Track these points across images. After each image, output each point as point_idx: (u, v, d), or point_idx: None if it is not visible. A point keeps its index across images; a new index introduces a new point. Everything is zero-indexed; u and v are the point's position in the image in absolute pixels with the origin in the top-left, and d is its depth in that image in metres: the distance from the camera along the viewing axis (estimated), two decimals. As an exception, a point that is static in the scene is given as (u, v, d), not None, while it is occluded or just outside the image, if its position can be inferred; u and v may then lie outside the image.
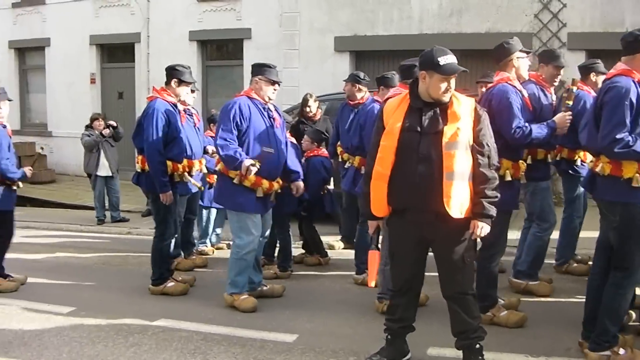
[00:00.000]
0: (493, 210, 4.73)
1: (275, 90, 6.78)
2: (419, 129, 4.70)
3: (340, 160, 8.68)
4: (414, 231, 4.82)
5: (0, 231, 7.63)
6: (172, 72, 7.30)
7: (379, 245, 5.19)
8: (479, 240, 4.96)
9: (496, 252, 6.03)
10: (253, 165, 6.32)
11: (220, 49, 17.20)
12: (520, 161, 6.08)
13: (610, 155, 4.92)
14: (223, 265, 8.40)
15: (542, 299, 6.86)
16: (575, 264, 7.77)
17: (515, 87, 5.98)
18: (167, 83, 7.31)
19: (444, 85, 4.65)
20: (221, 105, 8.62)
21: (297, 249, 8.75)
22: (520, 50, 6.06)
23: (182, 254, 8.67)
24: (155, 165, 7.04)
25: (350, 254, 8.81)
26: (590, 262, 7.59)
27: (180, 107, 7.43)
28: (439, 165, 4.59)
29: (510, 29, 13.05)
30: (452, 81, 4.68)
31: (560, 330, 5.82)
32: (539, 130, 5.89)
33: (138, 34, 17.25)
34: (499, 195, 4.78)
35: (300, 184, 7.20)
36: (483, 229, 4.74)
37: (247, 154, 6.46)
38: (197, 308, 6.81)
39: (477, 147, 4.69)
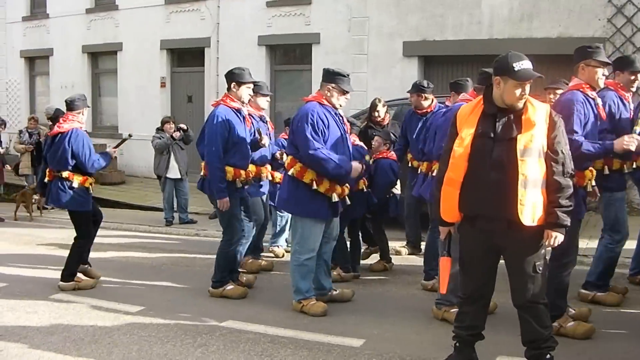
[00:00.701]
0: (567, 220, 4.62)
1: (347, 99, 6.76)
2: (492, 135, 4.63)
3: (410, 166, 8.66)
4: (485, 239, 4.74)
5: (78, 232, 7.84)
6: (230, 76, 7.30)
7: (451, 252, 5.11)
8: (548, 249, 4.84)
9: (569, 261, 5.91)
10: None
11: (289, 54, 17.23)
12: (587, 170, 5.91)
13: None
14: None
15: (614, 310, 6.69)
16: None
17: (587, 95, 5.83)
18: (229, 89, 7.32)
19: (518, 91, 4.56)
20: (288, 109, 8.62)
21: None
22: (596, 59, 5.89)
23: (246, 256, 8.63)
24: (213, 171, 7.06)
25: (416, 259, 8.80)
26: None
27: (245, 112, 7.44)
28: (512, 173, 4.50)
29: (583, 33, 12.78)
30: (527, 87, 4.59)
31: (631, 343, 5.68)
32: (590, 148, 5.65)
33: (208, 39, 17.45)
34: (573, 204, 4.67)
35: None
36: (557, 238, 4.64)
37: None
38: (264, 310, 6.83)
39: (552, 155, 4.59)
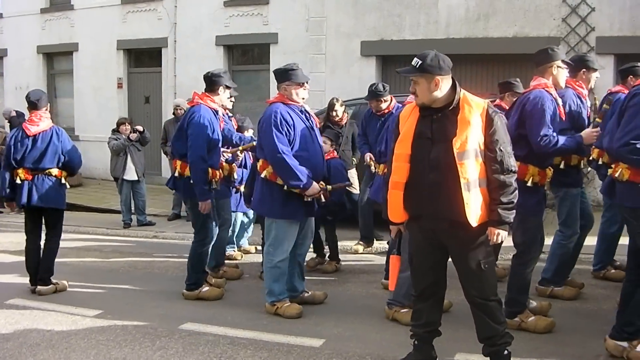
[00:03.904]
0: (510, 217, 4.64)
1: (305, 89, 6.70)
2: (430, 136, 4.66)
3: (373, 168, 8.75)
4: (430, 236, 4.79)
5: (54, 230, 7.76)
6: (218, 79, 7.26)
7: (401, 250, 5.17)
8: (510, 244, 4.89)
9: (531, 258, 6.01)
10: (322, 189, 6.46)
11: (247, 54, 17.18)
12: (547, 169, 6.03)
13: (622, 159, 4.87)
14: (250, 269, 8.43)
15: (572, 305, 6.80)
16: (613, 270, 7.69)
17: (551, 94, 5.95)
18: (212, 90, 7.26)
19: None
20: (246, 110, 8.62)
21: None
22: (562, 61, 6.06)
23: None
24: (199, 173, 6.98)
25: (375, 258, 8.84)
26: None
27: (221, 113, 7.45)
28: (450, 174, 4.51)
29: (538, 33, 13.00)
30: (417, 85, 4.67)
31: (589, 337, 5.75)
32: (565, 143, 5.82)
33: (165, 39, 17.32)
34: (515, 200, 4.67)
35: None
36: (499, 235, 4.66)
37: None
38: (223, 312, 6.80)
39: (489, 154, 4.59)
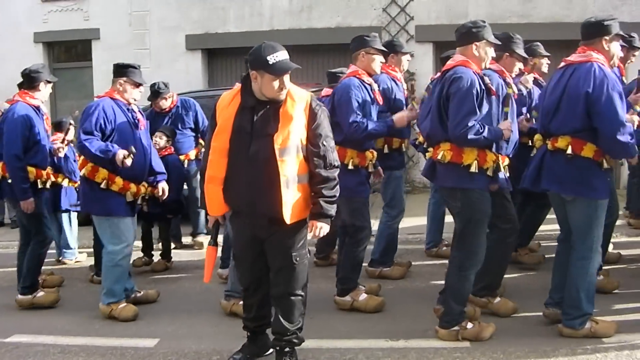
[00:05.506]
0: (332, 210, 4.70)
1: (140, 91, 6.63)
2: (249, 130, 4.55)
3: None
4: (250, 231, 4.78)
5: None
6: (38, 75, 6.99)
7: (217, 241, 5.11)
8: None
9: (363, 236, 6.24)
10: (127, 156, 6.16)
11: (69, 51, 16.55)
12: (367, 151, 6.27)
13: (462, 143, 5.10)
14: (79, 274, 8.17)
15: (402, 284, 7.11)
16: (444, 247, 8.03)
17: (363, 80, 6.18)
18: (32, 87, 6.98)
19: (276, 84, 4.45)
20: (70, 108, 8.34)
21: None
22: (374, 47, 6.31)
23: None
24: (14, 172, 6.71)
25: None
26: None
27: (44, 109, 7.19)
28: (269, 170, 4.47)
29: (361, 23, 13.45)
30: (286, 78, 4.50)
31: (419, 313, 6.02)
32: (375, 127, 6.11)
33: (-22, 38, 16.36)
34: (337, 195, 4.74)
35: (166, 185, 6.98)
36: (322, 229, 4.71)
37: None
38: (53, 320, 6.56)
39: (313, 149, 4.60)
